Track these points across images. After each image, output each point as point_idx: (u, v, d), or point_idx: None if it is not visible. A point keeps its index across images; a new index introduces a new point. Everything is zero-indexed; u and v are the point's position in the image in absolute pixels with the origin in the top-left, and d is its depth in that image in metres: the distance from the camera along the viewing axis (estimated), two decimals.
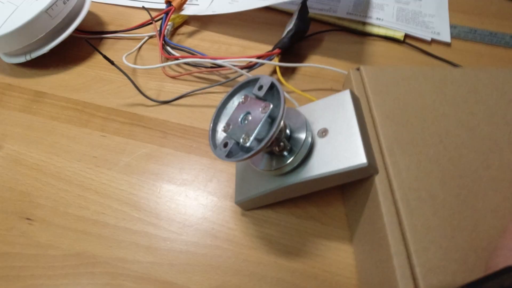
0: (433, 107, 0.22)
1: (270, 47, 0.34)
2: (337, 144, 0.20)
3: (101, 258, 0.23)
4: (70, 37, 0.33)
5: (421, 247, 0.17)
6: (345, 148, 0.20)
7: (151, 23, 0.36)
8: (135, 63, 0.34)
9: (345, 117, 0.21)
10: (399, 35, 0.37)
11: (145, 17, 0.37)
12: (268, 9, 0.40)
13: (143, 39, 0.36)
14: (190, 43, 0.36)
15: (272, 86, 0.20)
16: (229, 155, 0.20)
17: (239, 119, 0.20)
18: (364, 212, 0.21)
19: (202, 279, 0.22)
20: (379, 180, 0.19)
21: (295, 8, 0.35)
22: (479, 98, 0.22)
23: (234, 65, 0.30)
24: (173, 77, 0.33)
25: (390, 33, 0.37)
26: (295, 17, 0.33)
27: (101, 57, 0.32)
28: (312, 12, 0.38)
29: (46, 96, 0.32)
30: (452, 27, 0.38)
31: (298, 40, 0.33)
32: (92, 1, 0.40)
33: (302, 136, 0.21)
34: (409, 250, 0.17)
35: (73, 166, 0.27)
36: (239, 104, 0.21)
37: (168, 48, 0.34)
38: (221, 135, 0.21)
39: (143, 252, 0.23)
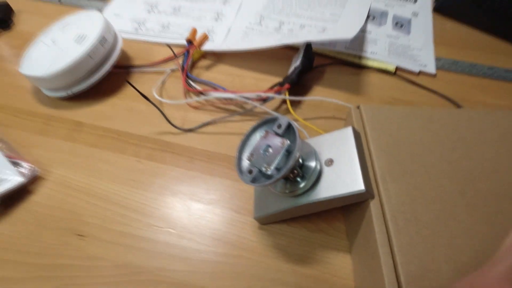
0: (420, 143, 0.27)
1: (279, 78, 0.39)
2: (341, 173, 0.25)
3: (144, 268, 0.27)
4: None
5: (406, 260, 0.21)
6: (348, 176, 0.25)
7: (173, 58, 0.41)
8: (161, 95, 0.39)
9: (347, 150, 0.26)
10: (391, 68, 0.42)
11: (166, 52, 0.42)
12: None
13: (165, 72, 0.41)
14: (207, 76, 0.41)
15: (289, 126, 0.25)
16: (254, 181, 0.24)
17: (261, 151, 0.25)
18: (360, 229, 0.26)
19: (231, 284, 0.27)
20: (373, 204, 0.24)
21: (300, 44, 0.40)
22: (459, 136, 0.27)
23: (250, 98, 0.35)
24: (196, 108, 0.38)
25: (383, 66, 0.42)
26: (301, 55, 0.38)
27: (130, 89, 0.37)
28: (314, 47, 0.43)
29: (85, 125, 0.36)
30: (437, 59, 0.43)
31: (304, 74, 0.38)
32: None
33: (312, 164, 0.26)
34: (396, 262, 0.21)
35: (114, 188, 0.32)
36: (261, 138, 0.26)
37: (190, 81, 0.39)
38: (245, 162, 0.26)
39: (179, 262, 0.28)
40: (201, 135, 0.36)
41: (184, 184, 0.32)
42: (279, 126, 0.25)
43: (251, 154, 0.25)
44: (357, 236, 0.27)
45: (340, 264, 0.28)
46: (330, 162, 0.26)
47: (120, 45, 0.39)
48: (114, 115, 0.37)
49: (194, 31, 0.42)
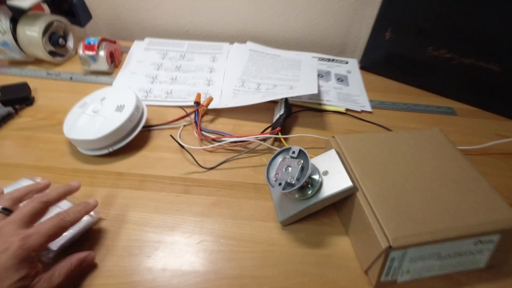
0: (376, 154, 0.42)
1: (266, 123, 0.53)
2: (334, 178, 0.39)
3: (211, 272, 0.36)
4: None
5: (387, 222, 0.35)
6: (339, 179, 0.38)
7: (185, 116, 0.53)
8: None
9: (335, 164, 0.40)
10: (342, 109, 0.59)
11: (175, 112, 0.54)
12: None
13: (180, 128, 0.52)
14: (214, 127, 0.54)
15: (300, 151, 0.38)
16: (283, 189, 0.37)
17: (283, 169, 0.37)
18: (352, 215, 0.39)
19: (272, 270, 0.37)
20: (359, 194, 0.38)
21: (278, 99, 0.55)
22: (396, 147, 0.43)
23: (256, 139, 0.48)
24: (211, 151, 0.49)
25: (336, 109, 0.59)
26: (283, 106, 0.53)
27: (155, 142, 0.48)
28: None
29: (126, 174, 0.45)
30: (371, 101, 0.62)
31: (287, 119, 0.53)
32: None
33: (316, 177, 0.39)
34: (382, 225, 0.35)
35: (165, 219, 0.41)
36: (280, 162, 0.38)
37: (203, 132, 0.51)
38: (272, 179, 0.38)
39: (232, 262, 0.37)
40: (221, 170, 0.47)
41: (218, 207, 0.42)
42: (293, 152, 0.38)
43: (277, 173, 0.38)
44: (350, 221, 0.40)
45: (342, 243, 0.40)
46: (326, 173, 0.40)
47: (146, 109, 0.50)
48: (148, 164, 0.47)
49: (198, 95, 0.54)
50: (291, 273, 0.37)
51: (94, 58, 0.59)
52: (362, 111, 0.60)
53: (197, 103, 0.53)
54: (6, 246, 0.28)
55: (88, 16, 0.65)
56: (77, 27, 0.65)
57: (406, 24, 0.61)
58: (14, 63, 0.63)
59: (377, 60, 0.68)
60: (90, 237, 0.38)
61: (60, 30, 0.63)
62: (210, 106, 0.55)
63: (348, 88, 0.64)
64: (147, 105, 0.56)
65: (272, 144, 0.51)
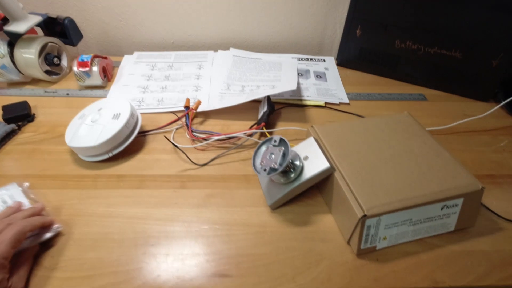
0: (353, 138, 0.47)
1: (251, 122, 0.58)
2: (314, 162, 0.43)
3: (214, 253, 0.40)
4: None
5: (361, 195, 0.39)
6: (318, 162, 0.43)
7: (176, 120, 0.57)
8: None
9: (314, 149, 0.44)
10: (322, 103, 0.64)
11: (167, 117, 0.58)
12: None
13: (173, 131, 0.57)
14: (203, 127, 0.58)
15: (281, 140, 0.43)
16: (268, 174, 0.41)
17: (267, 157, 0.42)
18: (333, 193, 0.44)
19: (266, 248, 0.41)
20: (336, 174, 0.42)
21: (261, 98, 0.60)
22: (369, 131, 0.48)
23: (244, 135, 0.53)
24: (202, 150, 0.54)
25: (316, 103, 0.64)
26: (266, 103, 0.58)
27: (151, 146, 0.52)
28: (271, 97, 0.63)
29: (126, 176, 0.49)
30: (348, 94, 0.67)
31: (270, 115, 0.58)
32: None
33: (298, 162, 0.44)
34: (357, 198, 0.39)
35: (166, 212, 0.45)
36: (264, 151, 0.43)
37: (194, 133, 0.55)
38: (258, 166, 0.43)
39: (228, 244, 0.41)
40: (213, 166, 0.51)
41: (213, 198, 0.47)
42: (275, 141, 0.43)
43: (262, 161, 0.42)
44: (332, 199, 0.44)
45: (326, 220, 0.44)
46: (306, 158, 0.44)
47: (140, 117, 0.54)
48: (146, 166, 0.51)
49: (188, 100, 0.59)
50: (282, 249, 0.41)
51: (88, 74, 0.63)
52: (341, 103, 0.65)
53: (187, 107, 0.58)
54: None
55: (80, 36, 0.70)
56: (70, 47, 0.69)
57: (374, 21, 0.67)
58: (12, 84, 0.67)
59: (352, 56, 0.73)
60: (93, 234, 0.42)
61: (54, 50, 0.67)
62: (199, 109, 0.60)
63: (326, 84, 0.69)
64: (141, 113, 0.60)
65: (259, 139, 0.56)
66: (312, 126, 0.49)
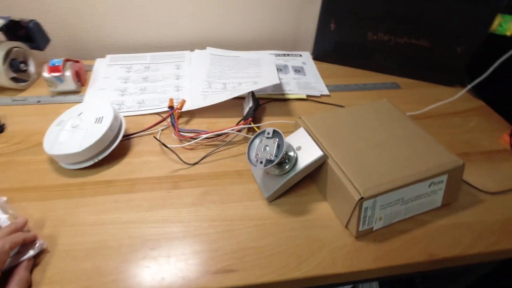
0: (341, 126, 0.48)
1: (237, 119, 0.58)
2: (307, 152, 0.44)
3: (214, 250, 0.40)
4: None
5: (355, 178, 0.41)
6: (311, 151, 0.44)
7: (162, 121, 0.56)
8: (163, 146, 0.53)
9: (306, 139, 0.45)
10: (303, 96, 0.65)
11: (150, 119, 0.57)
12: None
13: (158, 132, 0.55)
14: (189, 127, 0.57)
15: (274, 131, 0.43)
16: (264, 166, 0.41)
17: (262, 149, 0.42)
18: (327, 180, 0.45)
19: (265, 240, 0.41)
20: (330, 161, 0.44)
21: (245, 95, 0.60)
22: (352, 119, 0.50)
23: (232, 131, 0.52)
24: (191, 149, 0.53)
25: (298, 96, 0.65)
26: (251, 99, 0.58)
27: (137, 149, 0.50)
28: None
29: (114, 182, 0.47)
30: (327, 86, 0.69)
31: (256, 110, 0.58)
32: None
33: (291, 153, 0.44)
34: (352, 182, 0.40)
35: (161, 214, 0.43)
36: (258, 144, 0.43)
37: (181, 133, 0.54)
38: (253, 159, 0.43)
39: (230, 240, 0.41)
40: (204, 164, 0.51)
41: (208, 196, 0.46)
42: (268, 133, 0.43)
43: (257, 154, 0.42)
44: (326, 186, 0.45)
45: (321, 207, 0.45)
46: (299, 148, 0.45)
47: (123, 119, 0.52)
48: (134, 169, 0.49)
49: (171, 100, 0.58)
50: (283, 239, 0.41)
51: (60, 79, 0.60)
52: (322, 95, 0.66)
53: (171, 107, 0.56)
54: None
55: (46, 39, 0.66)
56: (36, 52, 0.65)
57: (346, 14, 0.69)
58: None
59: (327, 50, 0.76)
60: (86, 244, 0.40)
61: (20, 56, 0.63)
62: (183, 109, 0.59)
63: (305, 77, 0.71)
64: (127, 116, 0.58)
65: (247, 134, 0.56)
66: (300, 118, 0.50)
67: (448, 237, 0.42)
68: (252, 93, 0.59)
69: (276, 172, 0.44)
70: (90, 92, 0.63)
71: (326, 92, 0.67)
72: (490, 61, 0.59)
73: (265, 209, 0.45)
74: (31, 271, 0.36)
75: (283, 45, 0.85)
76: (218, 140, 0.54)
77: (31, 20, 0.62)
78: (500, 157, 0.55)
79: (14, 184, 0.46)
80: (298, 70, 0.73)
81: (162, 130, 0.56)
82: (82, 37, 0.76)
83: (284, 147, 0.41)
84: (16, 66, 0.61)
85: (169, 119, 0.56)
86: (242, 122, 0.56)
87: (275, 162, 0.41)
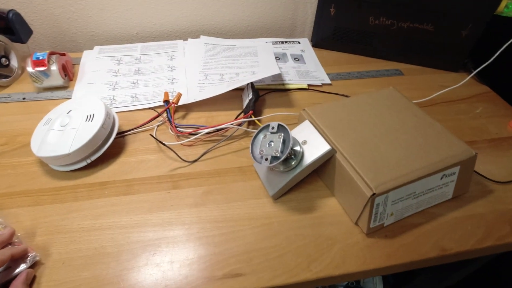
0: (346, 117, 0.46)
1: (237, 112, 0.55)
2: (313, 146, 0.42)
3: (216, 253, 0.38)
4: None
5: (366, 173, 0.39)
6: (318, 145, 0.42)
7: (157, 116, 0.53)
8: (160, 143, 0.50)
9: (312, 132, 0.43)
10: (305, 86, 0.63)
11: (145, 114, 0.54)
12: None
13: (154, 128, 0.52)
14: (187, 121, 0.54)
15: (279, 126, 0.40)
16: (270, 163, 0.39)
17: (266, 145, 0.40)
18: (335, 175, 0.43)
19: (273, 240, 0.39)
20: (338, 155, 0.41)
21: (244, 86, 0.57)
22: (358, 108, 0.47)
23: (232, 125, 0.50)
24: (189, 145, 0.50)
25: (299, 86, 0.62)
26: (250, 91, 0.55)
27: (133, 147, 0.48)
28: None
29: (109, 183, 0.44)
30: (328, 74, 0.66)
31: (256, 102, 0.55)
32: None
33: (297, 148, 0.42)
34: (362, 176, 0.39)
35: (162, 216, 0.41)
36: (262, 139, 0.41)
37: (178, 128, 0.51)
38: (257, 156, 0.40)
39: (236, 241, 0.39)
40: (204, 161, 0.48)
41: (210, 195, 0.44)
42: (273, 128, 0.41)
43: (261, 150, 0.40)
44: (334, 182, 0.43)
45: (330, 203, 0.43)
46: (305, 142, 0.43)
47: (116, 116, 0.49)
48: (130, 169, 0.46)
49: (166, 94, 0.54)
50: (291, 238, 0.39)
51: (46, 74, 0.56)
52: (323, 84, 0.64)
53: (167, 101, 0.53)
54: None
55: (29, 31, 0.61)
56: (18, 44, 0.61)
57: None
58: None
59: (327, 36, 0.73)
60: (83, 251, 0.37)
61: (0, 50, 0.58)
62: (180, 103, 0.55)
63: (305, 66, 0.68)
64: (120, 112, 0.55)
65: (248, 127, 0.53)
66: (304, 109, 0.48)
67: (460, 230, 0.41)
68: (251, 84, 0.56)
69: (282, 169, 0.42)
70: (79, 87, 0.60)
71: (327, 80, 0.64)
72: (495, 45, 0.57)
73: (271, 207, 0.43)
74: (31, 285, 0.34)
75: (279, 32, 0.82)
76: (218, 135, 0.52)
77: (10, 10, 0.57)
78: (508, 144, 0.53)
79: (1, 189, 0.43)
80: (297, 59, 0.70)
81: (158, 126, 0.53)
82: (67, 28, 0.71)
83: (290, 143, 0.39)
84: None
85: (164, 114, 0.53)
86: (242, 115, 0.53)
87: (281, 159, 0.38)
